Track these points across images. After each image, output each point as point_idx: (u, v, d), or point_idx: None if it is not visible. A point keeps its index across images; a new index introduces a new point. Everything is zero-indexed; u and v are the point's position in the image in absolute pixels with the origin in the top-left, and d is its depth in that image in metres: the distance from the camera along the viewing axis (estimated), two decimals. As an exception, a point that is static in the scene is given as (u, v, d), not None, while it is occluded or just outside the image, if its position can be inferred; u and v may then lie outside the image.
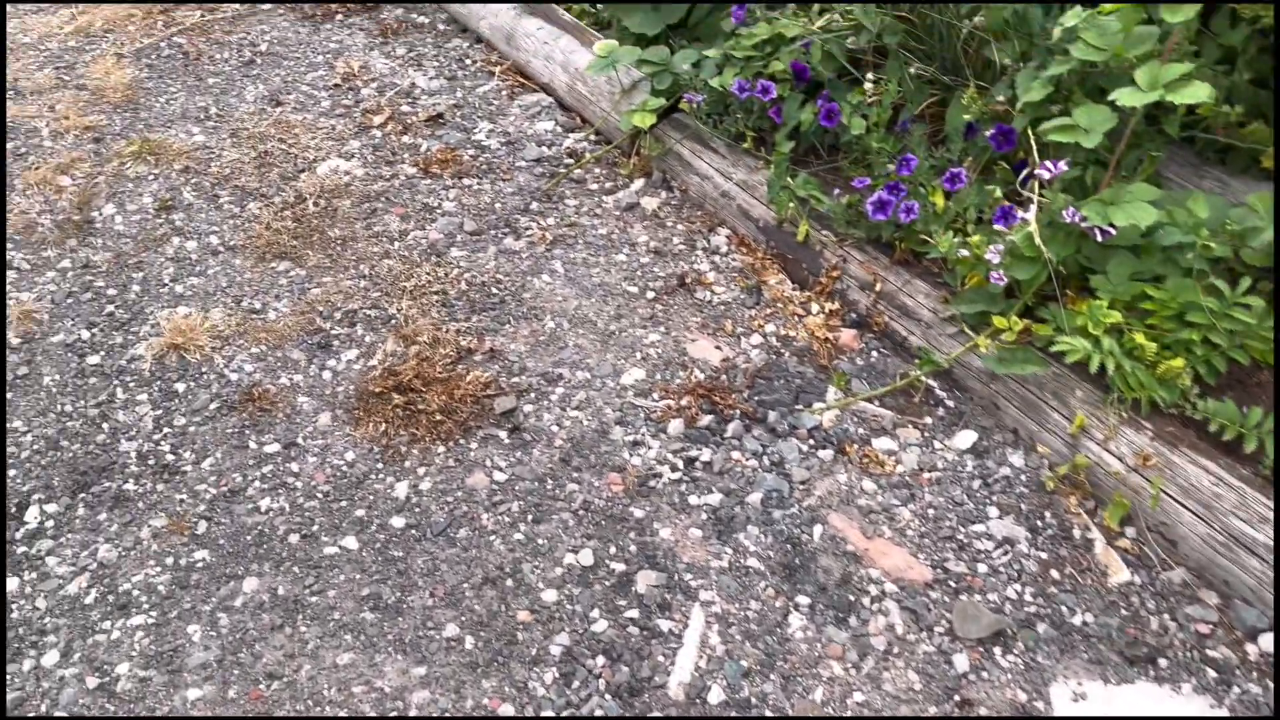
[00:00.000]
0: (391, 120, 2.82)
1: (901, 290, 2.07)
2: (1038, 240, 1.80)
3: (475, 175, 2.61)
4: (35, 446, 1.91)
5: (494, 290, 2.26)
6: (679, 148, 2.52)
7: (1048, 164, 1.82)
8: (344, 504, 1.80)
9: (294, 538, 1.74)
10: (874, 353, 2.08)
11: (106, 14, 3.29)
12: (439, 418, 1.95)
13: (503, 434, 1.93)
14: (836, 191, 2.25)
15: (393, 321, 2.17)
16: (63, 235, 2.41)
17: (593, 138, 2.75)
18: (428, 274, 2.29)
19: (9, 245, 2.38)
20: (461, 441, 1.91)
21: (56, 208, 2.49)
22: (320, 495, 1.81)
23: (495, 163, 2.65)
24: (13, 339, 2.13)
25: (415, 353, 2.09)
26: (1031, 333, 1.86)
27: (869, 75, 2.26)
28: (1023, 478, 1.83)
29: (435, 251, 2.36)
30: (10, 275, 2.30)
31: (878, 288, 2.10)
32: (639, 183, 2.56)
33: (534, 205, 2.51)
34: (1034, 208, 1.82)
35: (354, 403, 1.99)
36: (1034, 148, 1.90)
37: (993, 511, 1.77)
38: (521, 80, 2.99)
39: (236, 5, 3.38)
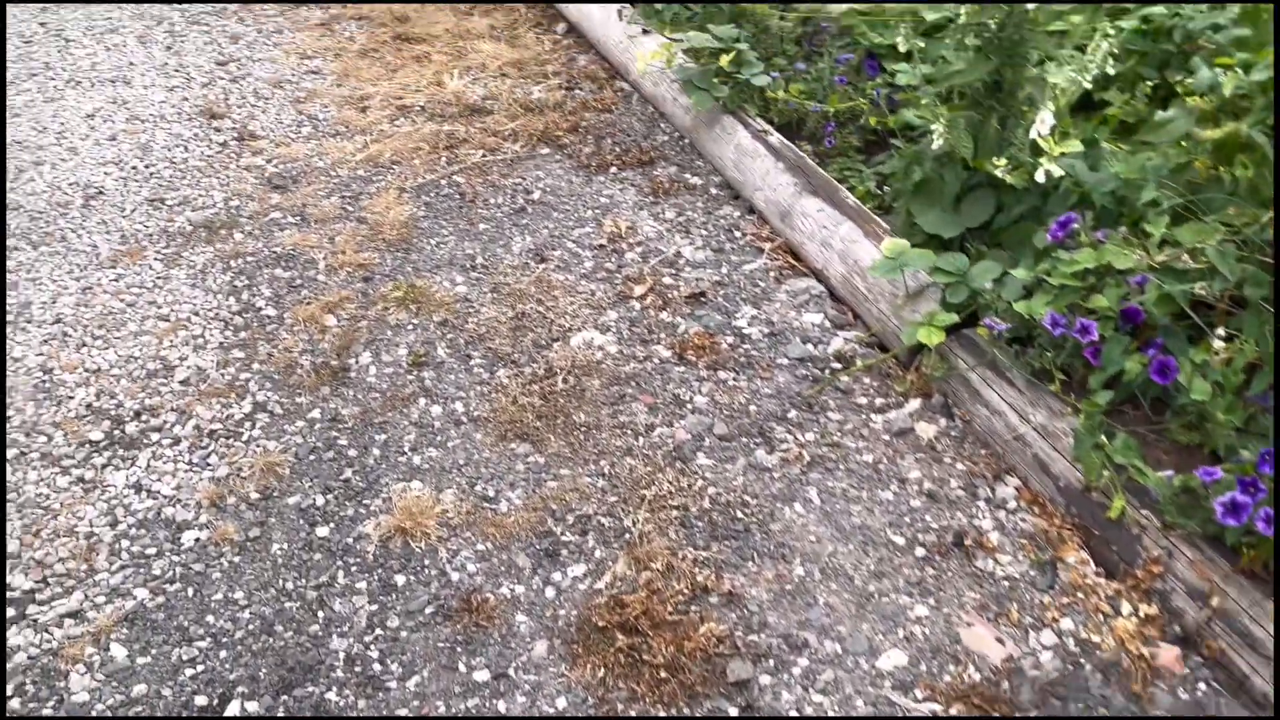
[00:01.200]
0: (652, 292, 2.69)
1: (1247, 612, 1.66)
2: None
3: (732, 368, 2.41)
4: (250, 626, 1.83)
5: (739, 514, 2.03)
6: (968, 373, 2.22)
7: None
8: (548, 768, 1.59)
9: (489, 802, 1.54)
10: (1201, 685, 1.67)
11: (396, 145, 3.40)
12: (663, 674, 1.71)
13: (732, 710, 1.67)
14: (1169, 473, 1.87)
15: (626, 536, 1.98)
16: (318, 380, 2.40)
17: (865, 339, 2.49)
18: (670, 483, 2.09)
19: (268, 384, 2.40)
20: (685, 710, 1.66)
21: (317, 349, 2.50)
22: (524, 751, 1.61)
23: (755, 356, 2.45)
24: (252, 493, 2.10)
25: (646, 581, 1.87)
26: None
27: (1219, 330, 1.89)
28: None
29: (680, 456, 2.17)
30: (262, 418, 2.30)
31: (1214, 602, 1.70)
32: (914, 403, 2.28)
33: (792, 413, 2.27)
34: None
35: (574, 633, 1.80)
36: None
37: None
38: (792, 262, 2.80)
39: (516, 148, 3.41)
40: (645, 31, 3.74)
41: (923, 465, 2.13)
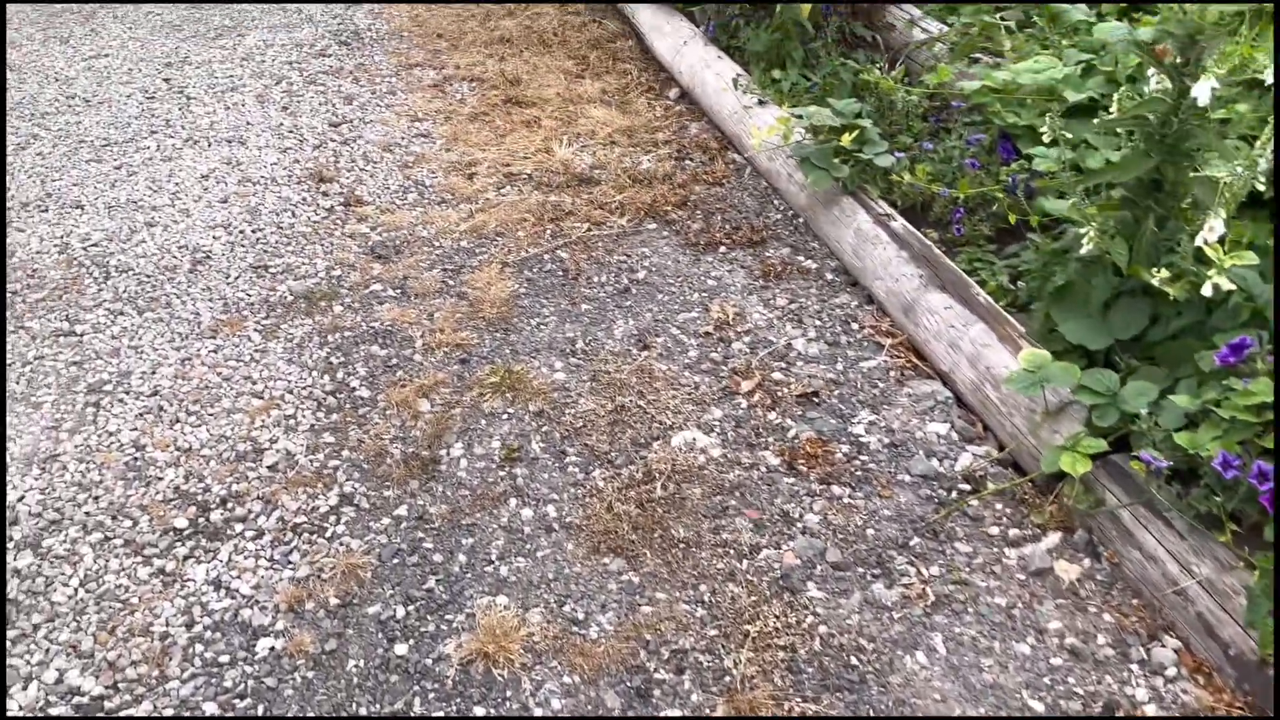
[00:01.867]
0: (760, 389, 2.51)
1: None
2: None
3: (847, 482, 2.22)
4: (318, 757, 1.71)
5: (854, 661, 1.82)
6: (1118, 509, 1.98)
7: None
8: None
9: None
10: None
11: (501, 216, 3.32)
12: None
13: None
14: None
15: (727, 679, 1.79)
16: (407, 473, 2.29)
17: (996, 456, 2.27)
18: (776, 617, 1.90)
19: (356, 474, 2.30)
20: None
21: (409, 437, 2.40)
22: None
23: (873, 470, 2.25)
24: (332, 598, 1.99)
25: (748, 736, 1.69)
26: None
27: None
28: None
29: (789, 586, 1.97)
30: (348, 512, 2.20)
31: None
32: (1054, 538, 2.04)
33: (915, 541, 2.06)
34: None
35: (665, 794, 1.62)
36: None
37: None
38: (914, 361, 2.59)
39: (623, 222, 3.30)
40: (761, 103, 3.60)
41: (1064, 614, 1.89)
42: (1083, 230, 2.18)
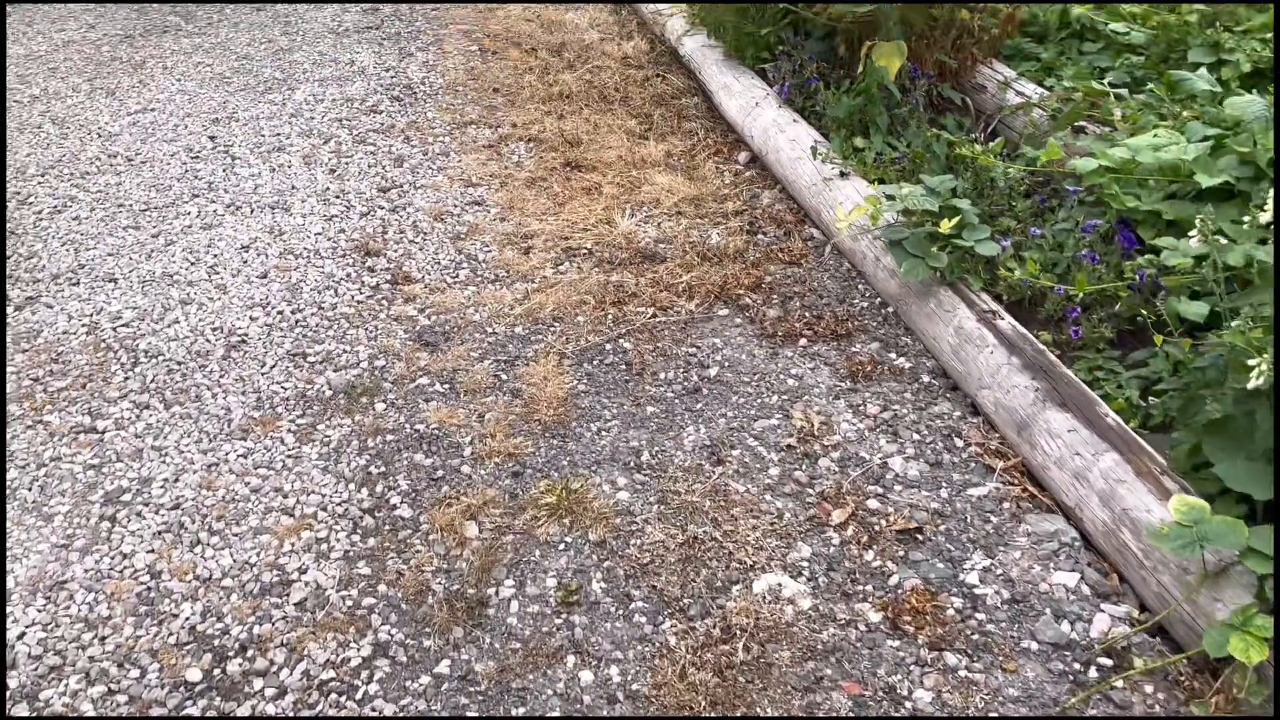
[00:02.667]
0: (854, 519, 2.20)
1: None
2: None
3: (963, 648, 1.89)
4: None
5: None
6: (1306, 712, 1.63)
7: None
8: None
9: None
10: None
11: (559, 297, 3.05)
12: None
13: None
14: None
15: None
16: (450, 617, 2.01)
17: (1138, 617, 1.93)
18: (888, 835, 1.58)
19: (394, 615, 2.02)
20: None
21: (454, 569, 2.12)
22: None
23: (992, 634, 1.92)
24: (360, 784, 1.71)
25: None
26: None
27: None
28: None
29: (901, 790, 1.65)
30: (382, 667, 1.92)
31: None
32: (1222, 739, 1.70)
33: (1050, 733, 1.73)
34: None
35: None
36: None
37: None
38: (1032, 490, 2.26)
39: (691, 306, 3.01)
40: (843, 174, 3.30)
41: None
42: (1253, 363, 1.84)
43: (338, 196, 3.69)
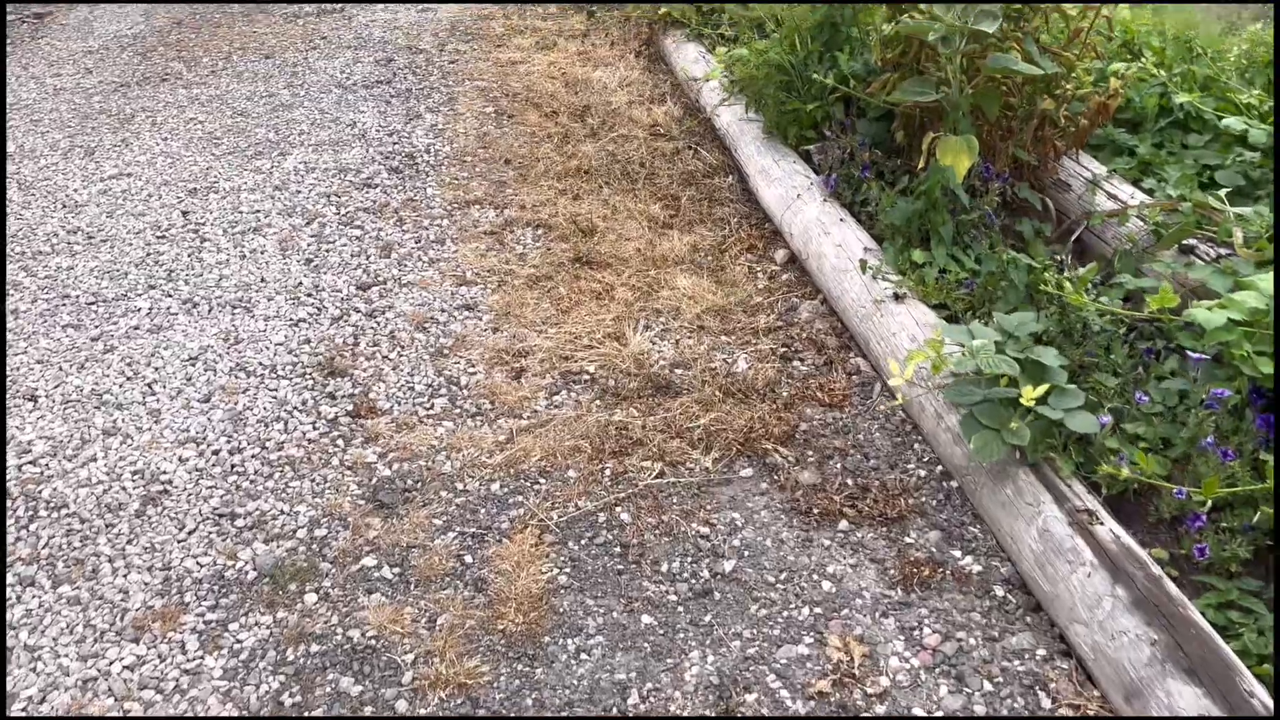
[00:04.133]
0: (904, 826, 1.64)
1: None
2: None
3: None
4: None
5: None
6: None
7: None
8: None
9: None
10: None
11: (549, 443, 2.53)
12: None
13: None
14: None
15: None
16: None
17: None
18: None
19: None
20: None
21: None
22: None
23: None
24: None
25: None
26: None
27: None
28: None
29: None
30: None
31: None
32: None
33: None
34: None
35: None
36: None
37: None
38: (1148, 794, 1.68)
39: (707, 462, 2.47)
40: (898, 296, 2.75)
41: None
42: None
43: (310, 294, 3.21)
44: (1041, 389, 2.10)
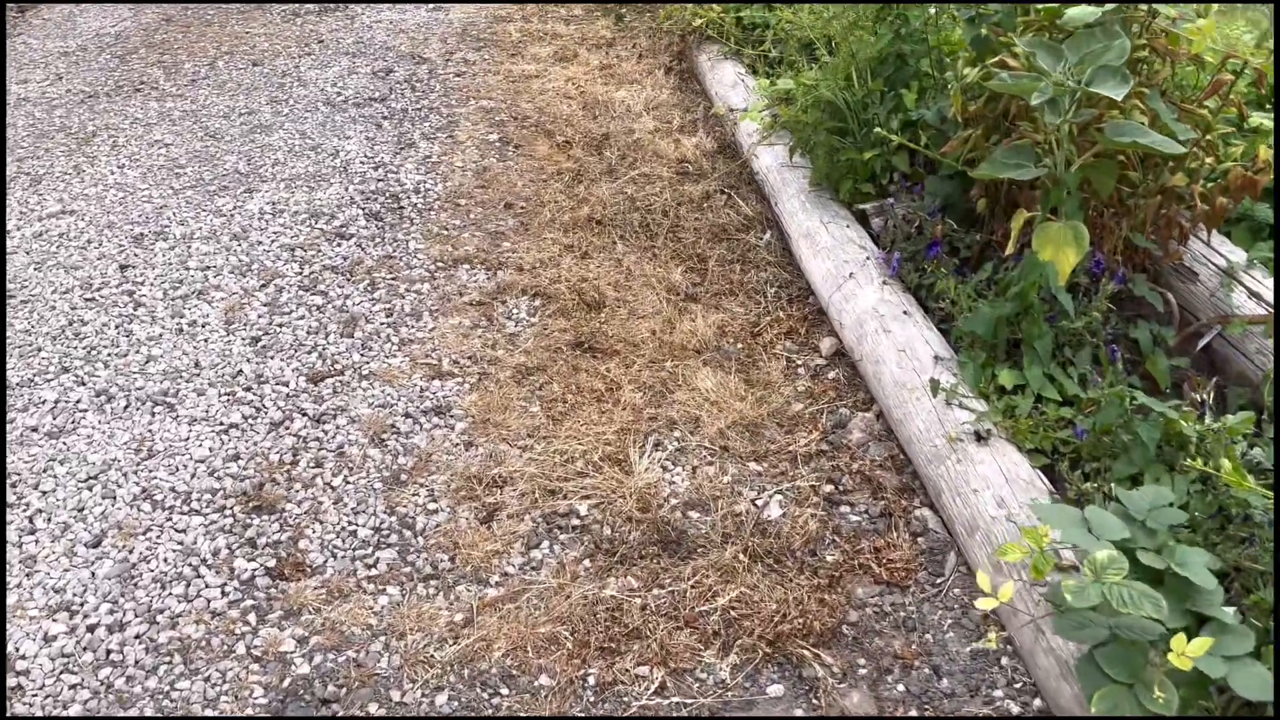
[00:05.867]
0: None
1: None
2: None
3: None
4: None
5: None
6: None
7: None
8: None
9: None
10: None
11: (516, 631, 1.94)
12: None
13: None
14: None
15: None
16: None
17: None
18: None
19: None
20: None
21: None
22: None
23: None
24: None
25: None
26: None
27: None
28: None
29: None
30: None
31: None
32: None
33: None
34: None
35: None
36: None
37: None
38: None
39: (723, 670, 1.87)
40: (980, 436, 2.12)
41: None
42: None
43: (250, 388, 2.64)
44: (1200, 644, 1.47)
